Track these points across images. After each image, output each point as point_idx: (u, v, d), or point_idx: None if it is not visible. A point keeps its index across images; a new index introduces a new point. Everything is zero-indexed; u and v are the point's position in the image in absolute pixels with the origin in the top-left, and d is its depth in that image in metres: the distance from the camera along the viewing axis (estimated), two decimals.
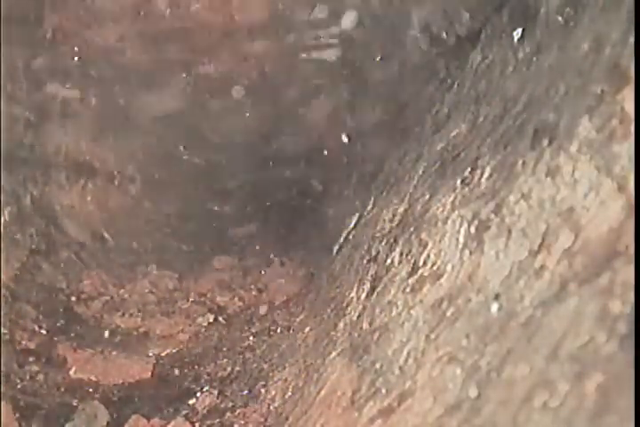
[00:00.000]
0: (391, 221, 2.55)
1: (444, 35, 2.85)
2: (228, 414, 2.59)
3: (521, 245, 1.79)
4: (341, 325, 2.47)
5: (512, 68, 2.36)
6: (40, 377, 2.72)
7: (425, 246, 2.20)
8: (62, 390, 2.71)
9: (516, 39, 2.41)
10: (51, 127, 3.05)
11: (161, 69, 3.06)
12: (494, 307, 1.77)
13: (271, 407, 2.55)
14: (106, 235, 3.12)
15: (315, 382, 2.38)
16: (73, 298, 3.03)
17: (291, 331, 2.86)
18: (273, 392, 2.59)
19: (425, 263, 2.16)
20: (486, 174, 2.10)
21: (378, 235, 2.57)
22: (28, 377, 2.70)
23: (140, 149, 3.11)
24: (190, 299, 3.12)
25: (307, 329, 2.74)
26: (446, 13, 2.84)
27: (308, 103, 3.12)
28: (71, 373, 2.77)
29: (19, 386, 2.64)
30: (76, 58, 2.98)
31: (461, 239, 2.05)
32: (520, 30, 2.40)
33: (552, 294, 1.59)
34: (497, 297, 1.78)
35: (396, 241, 2.41)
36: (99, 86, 3.06)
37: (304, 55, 3.00)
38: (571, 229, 1.65)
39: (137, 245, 3.15)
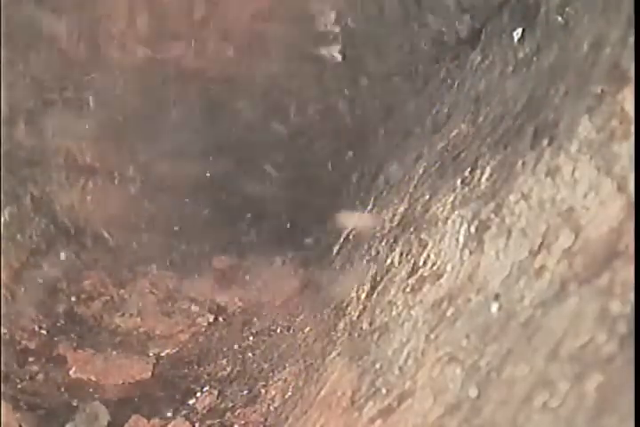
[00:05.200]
0: (391, 221, 2.55)
1: (445, 35, 2.85)
2: (228, 414, 2.59)
3: (521, 245, 1.79)
4: (341, 325, 2.47)
5: (512, 68, 2.36)
6: (40, 377, 2.72)
7: (425, 246, 2.20)
8: (62, 390, 2.71)
9: (516, 39, 2.41)
10: (51, 127, 3.05)
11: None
12: (494, 307, 1.77)
13: (271, 407, 2.55)
14: (106, 235, 3.12)
15: (315, 382, 2.38)
16: (73, 298, 3.03)
17: (291, 331, 2.86)
18: (273, 392, 2.59)
19: (425, 263, 2.17)
20: (486, 174, 2.10)
21: (378, 235, 2.57)
22: (27, 377, 2.70)
23: (141, 149, 3.11)
24: (190, 299, 3.12)
25: (307, 329, 2.74)
26: (446, 13, 2.84)
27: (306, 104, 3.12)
28: (71, 373, 2.77)
29: (19, 386, 2.64)
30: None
31: (461, 239, 2.05)
32: (520, 30, 2.40)
33: (552, 294, 1.59)
34: (497, 297, 1.78)
35: (395, 241, 2.41)
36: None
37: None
38: (571, 229, 1.65)
39: (137, 245, 3.15)
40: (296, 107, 3.13)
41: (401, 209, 2.53)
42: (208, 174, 3.17)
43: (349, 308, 2.47)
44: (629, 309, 1.33)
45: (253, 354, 2.85)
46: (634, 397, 1.21)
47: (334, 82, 3.05)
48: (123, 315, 3.03)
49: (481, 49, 2.66)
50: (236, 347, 2.91)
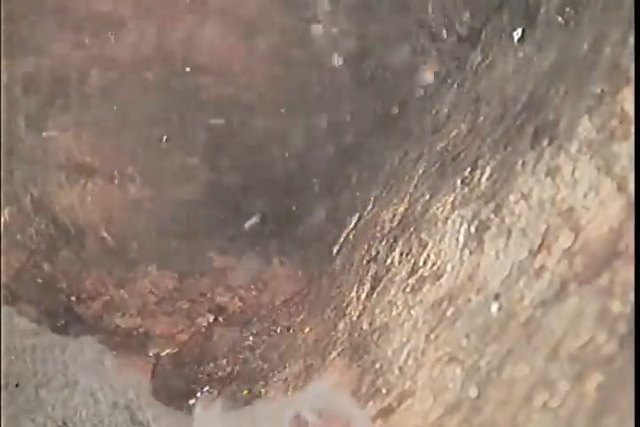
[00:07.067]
0: (391, 221, 2.55)
1: (445, 35, 2.85)
2: None
3: (521, 245, 1.79)
4: (341, 325, 2.47)
5: (512, 68, 2.36)
6: None
7: (425, 246, 2.21)
8: None
9: (515, 39, 2.41)
10: (52, 127, 3.05)
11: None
12: (494, 307, 1.77)
13: None
14: (106, 235, 3.12)
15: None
16: (73, 298, 3.03)
17: (291, 331, 2.86)
18: (273, 392, 2.59)
19: (425, 263, 2.17)
20: (486, 174, 2.10)
21: (378, 235, 2.57)
22: None
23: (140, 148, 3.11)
24: (190, 299, 3.12)
25: (307, 329, 2.74)
26: (446, 13, 2.84)
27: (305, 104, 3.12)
28: None
29: None
30: None
31: (461, 239, 2.05)
32: (520, 30, 2.40)
33: (552, 294, 1.60)
34: (497, 297, 1.78)
35: (395, 241, 2.41)
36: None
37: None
38: (571, 229, 1.65)
39: (137, 245, 3.15)
40: (293, 107, 3.13)
41: (401, 209, 2.53)
42: (208, 174, 3.17)
43: (349, 308, 2.47)
44: (629, 309, 1.34)
45: (253, 354, 2.85)
46: (634, 397, 1.21)
47: (331, 82, 3.05)
48: (123, 315, 3.03)
49: (481, 49, 2.66)
50: (236, 347, 2.91)
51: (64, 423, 2.43)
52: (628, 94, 1.64)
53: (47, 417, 2.46)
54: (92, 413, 2.47)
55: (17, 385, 2.52)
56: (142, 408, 2.51)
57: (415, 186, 2.52)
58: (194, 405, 2.68)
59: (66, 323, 2.94)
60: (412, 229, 2.34)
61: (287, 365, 2.66)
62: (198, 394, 2.72)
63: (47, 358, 2.61)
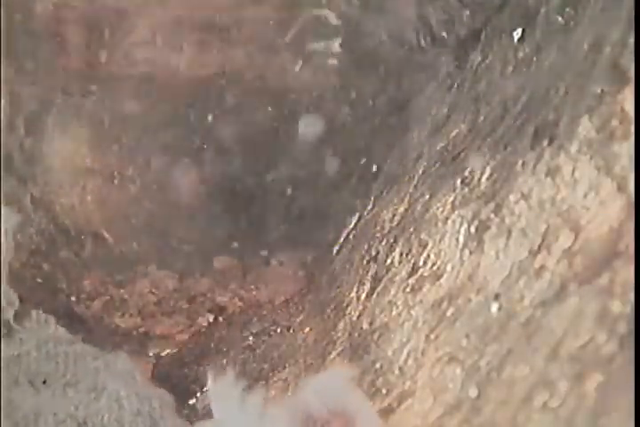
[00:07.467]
0: (391, 221, 2.55)
1: (445, 35, 2.85)
2: None
3: (521, 245, 1.79)
4: (341, 325, 2.47)
5: (512, 68, 2.36)
6: None
7: (425, 246, 2.21)
8: None
9: (516, 39, 2.41)
10: (51, 128, 3.05)
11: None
12: (494, 307, 1.77)
13: None
14: (106, 235, 3.12)
15: None
16: (73, 298, 3.04)
17: (291, 331, 2.86)
18: (273, 392, 2.59)
19: (425, 263, 2.17)
20: (486, 174, 2.10)
21: (378, 235, 2.57)
22: None
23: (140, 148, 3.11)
24: (190, 299, 3.12)
25: (307, 329, 2.74)
26: (447, 13, 2.84)
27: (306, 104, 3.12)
28: None
29: None
30: None
31: (461, 239, 2.05)
32: (520, 30, 2.40)
33: (552, 294, 1.60)
34: (497, 297, 1.78)
35: (395, 241, 2.41)
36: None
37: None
38: (571, 229, 1.65)
39: (137, 245, 3.15)
40: (294, 107, 3.13)
41: (401, 209, 2.53)
42: (208, 175, 3.17)
43: (349, 308, 2.47)
44: (629, 309, 1.34)
45: (253, 354, 2.85)
46: (634, 397, 1.21)
47: (332, 82, 3.05)
48: (123, 315, 3.03)
49: (481, 49, 2.66)
50: (236, 347, 2.91)
51: (84, 423, 2.44)
52: (628, 94, 1.64)
53: (69, 415, 2.47)
54: (114, 417, 2.48)
55: (44, 382, 2.53)
56: (164, 418, 2.53)
57: (415, 186, 2.52)
58: (195, 405, 2.69)
59: (66, 323, 2.93)
60: (411, 229, 2.34)
61: (287, 365, 2.66)
62: (198, 394, 2.72)
63: (79, 363, 2.64)
